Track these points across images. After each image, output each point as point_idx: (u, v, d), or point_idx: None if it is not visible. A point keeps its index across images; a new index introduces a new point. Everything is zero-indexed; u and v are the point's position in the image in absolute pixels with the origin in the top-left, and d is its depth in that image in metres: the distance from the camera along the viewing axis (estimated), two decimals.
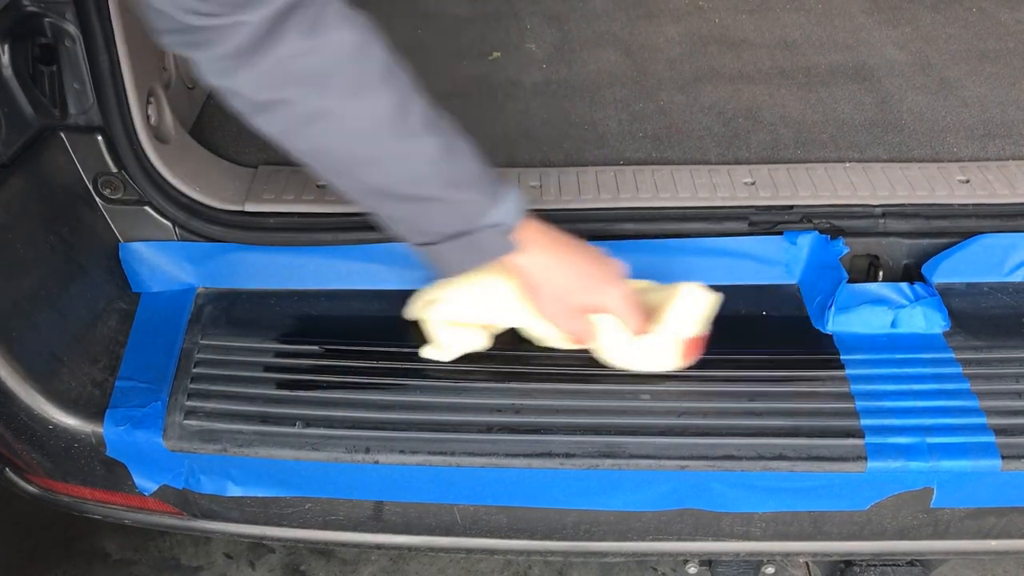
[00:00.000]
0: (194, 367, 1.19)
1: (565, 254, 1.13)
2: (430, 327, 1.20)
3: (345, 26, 0.99)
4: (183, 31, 0.96)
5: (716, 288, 1.28)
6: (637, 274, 1.29)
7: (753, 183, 1.39)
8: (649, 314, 1.16)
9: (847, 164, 1.44)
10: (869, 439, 1.09)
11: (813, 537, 1.19)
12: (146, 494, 1.19)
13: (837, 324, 1.22)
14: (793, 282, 1.30)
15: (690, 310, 1.15)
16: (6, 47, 1.16)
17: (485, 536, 1.23)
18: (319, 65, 0.98)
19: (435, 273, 1.16)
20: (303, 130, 1.01)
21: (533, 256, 1.11)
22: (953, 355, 1.18)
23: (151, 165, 1.28)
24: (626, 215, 1.34)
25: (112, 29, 1.19)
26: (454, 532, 1.22)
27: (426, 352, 1.20)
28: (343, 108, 1.00)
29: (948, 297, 1.24)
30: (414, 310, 1.22)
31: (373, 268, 1.30)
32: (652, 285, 1.22)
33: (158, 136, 1.33)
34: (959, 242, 1.29)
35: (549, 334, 1.19)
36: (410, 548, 1.30)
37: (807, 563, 1.96)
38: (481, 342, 1.21)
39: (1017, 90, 1.65)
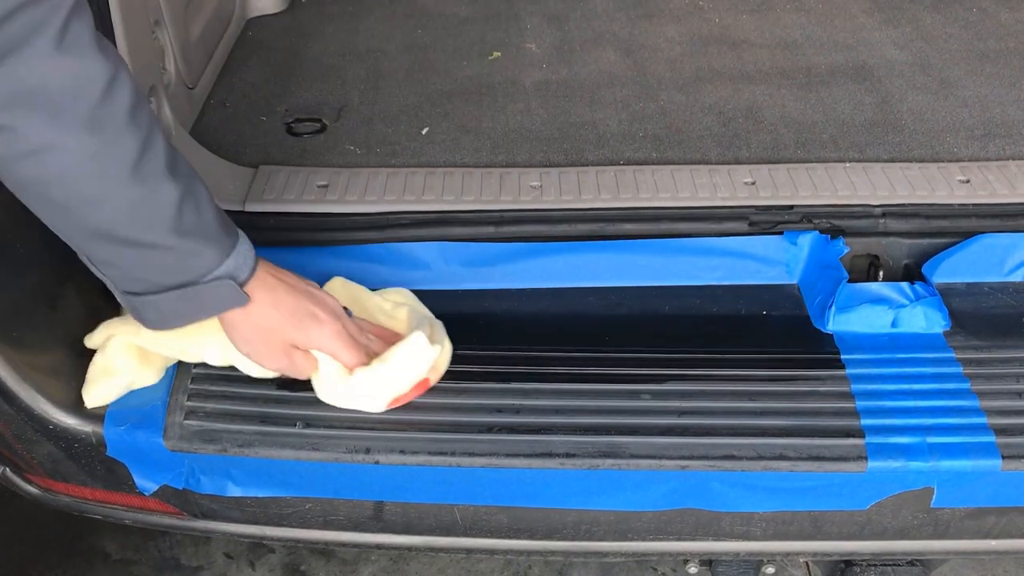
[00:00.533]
0: (194, 367, 1.19)
1: (275, 293, 1.05)
2: (108, 353, 1.14)
3: (96, 53, 0.88)
4: None
5: (716, 288, 1.29)
6: (637, 274, 1.30)
7: (753, 183, 1.39)
8: (388, 339, 1.13)
9: (847, 164, 1.44)
10: (869, 439, 1.09)
11: (813, 537, 1.19)
12: (146, 494, 1.19)
13: (837, 324, 1.22)
14: (793, 282, 1.30)
15: (413, 359, 1.10)
16: None
17: (485, 536, 1.23)
18: (58, 89, 0.86)
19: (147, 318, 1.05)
20: (25, 160, 0.89)
21: (249, 306, 1.03)
22: (953, 355, 1.18)
23: None
24: (626, 215, 1.34)
25: (112, 29, 1.19)
26: (454, 532, 1.22)
27: (88, 389, 1.13)
28: (77, 143, 0.88)
29: (948, 297, 1.24)
30: (95, 337, 1.15)
31: (373, 268, 1.30)
32: (408, 303, 1.21)
33: None
34: (959, 242, 1.29)
35: (253, 369, 1.14)
36: (410, 548, 1.30)
37: (807, 563, 1.96)
38: (151, 379, 1.16)
39: (1017, 90, 1.65)
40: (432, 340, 1.13)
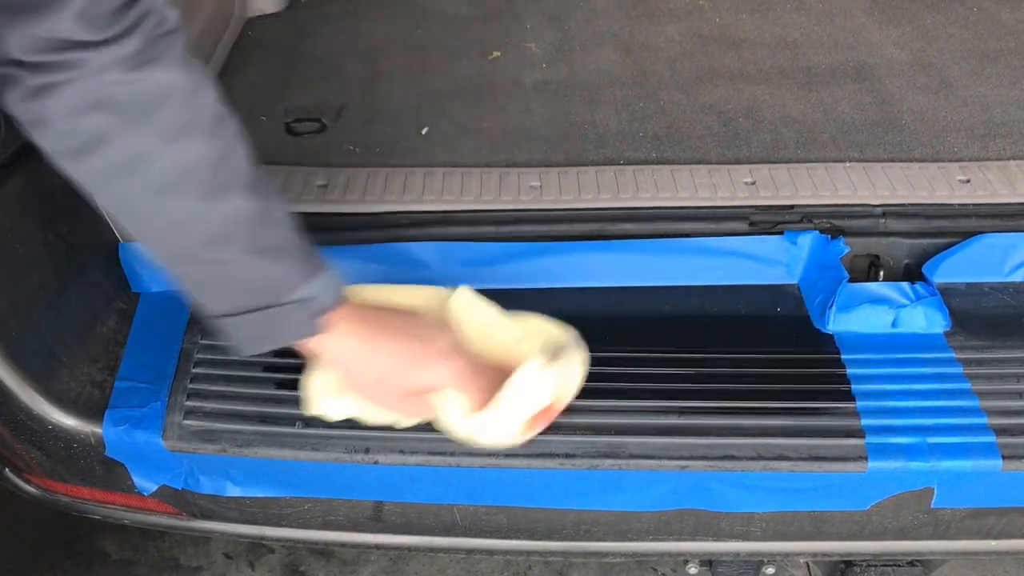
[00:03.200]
0: (193, 367, 1.19)
1: (381, 335, 1.02)
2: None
3: (179, 65, 0.90)
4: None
5: (716, 288, 1.29)
6: (637, 274, 1.30)
7: (753, 183, 1.39)
8: (502, 368, 1.05)
9: (847, 164, 1.44)
10: (870, 439, 1.09)
11: (813, 537, 1.19)
12: (145, 494, 1.19)
13: (838, 324, 1.22)
14: (793, 282, 1.30)
15: (531, 387, 1.04)
16: None
17: (485, 536, 1.23)
18: (142, 97, 0.88)
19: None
20: (117, 175, 0.90)
21: (344, 340, 1.00)
22: (954, 355, 1.18)
23: None
24: (626, 215, 1.34)
25: None
26: (454, 532, 1.22)
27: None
28: (161, 151, 0.89)
29: (949, 297, 1.24)
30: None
31: (374, 268, 1.30)
32: (534, 327, 1.12)
33: None
34: (960, 242, 1.29)
35: (389, 417, 1.08)
36: (410, 548, 1.30)
37: (807, 563, 1.95)
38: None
39: (1018, 90, 1.65)
40: (557, 357, 1.06)
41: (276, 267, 0.96)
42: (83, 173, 0.91)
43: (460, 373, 1.02)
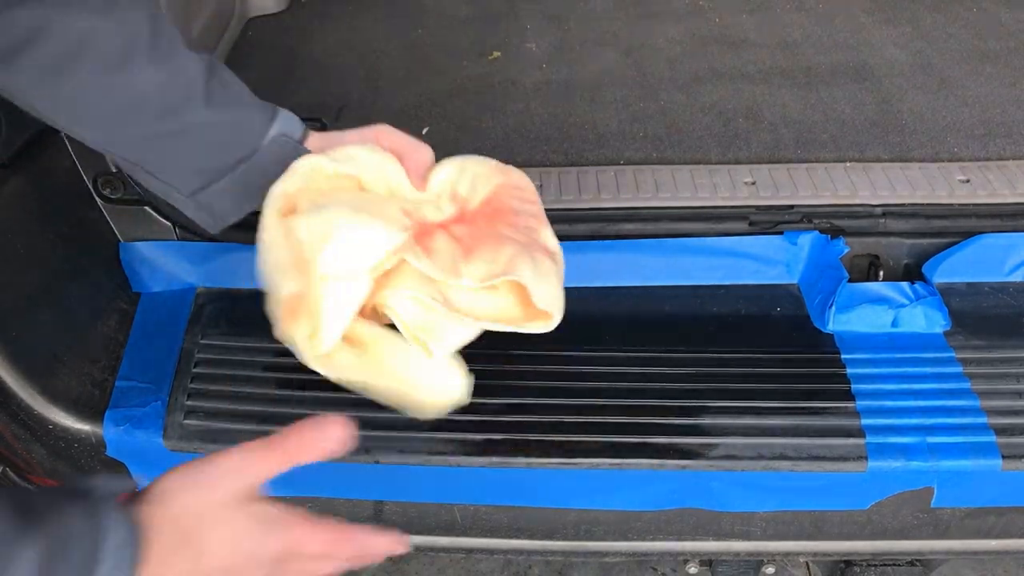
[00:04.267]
0: (194, 367, 1.19)
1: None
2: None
3: None
4: None
5: (716, 288, 1.28)
6: (637, 274, 1.30)
7: (753, 183, 1.39)
8: None
9: (847, 164, 1.44)
10: (870, 439, 1.09)
11: (813, 537, 1.19)
12: None
13: (838, 323, 1.22)
14: (793, 282, 1.30)
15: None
16: None
17: (485, 536, 1.23)
18: None
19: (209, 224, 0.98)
20: (65, 62, 0.87)
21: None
22: (954, 355, 1.18)
23: None
24: (626, 215, 1.34)
25: None
26: (454, 532, 1.22)
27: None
28: (103, 25, 0.87)
29: (948, 297, 1.24)
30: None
31: None
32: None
33: None
34: (959, 242, 1.29)
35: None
36: (410, 548, 1.30)
37: (807, 563, 1.96)
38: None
39: (1017, 90, 1.65)
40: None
41: (240, 113, 0.94)
42: (23, 71, 0.88)
43: None
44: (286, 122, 0.97)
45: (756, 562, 1.47)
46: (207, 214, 0.98)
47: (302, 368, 1.19)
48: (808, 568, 1.98)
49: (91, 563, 0.63)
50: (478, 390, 1.16)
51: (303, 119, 1.00)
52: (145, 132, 0.93)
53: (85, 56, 0.88)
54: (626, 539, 1.22)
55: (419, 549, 1.30)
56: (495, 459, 1.11)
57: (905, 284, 1.25)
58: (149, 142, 0.94)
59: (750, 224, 1.32)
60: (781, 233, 1.30)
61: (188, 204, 0.97)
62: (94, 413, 1.14)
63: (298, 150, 0.96)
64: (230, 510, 0.72)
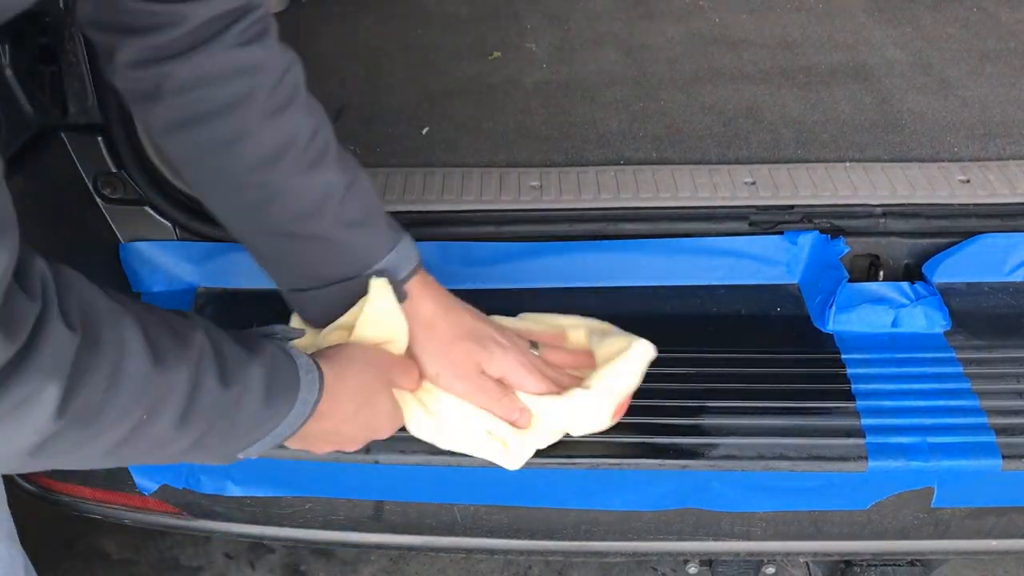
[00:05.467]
0: None
1: (448, 307, 1.03)
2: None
3: (281, 48, 0.97)
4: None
5: (716, 288, 1.29)
6: (637, 274, 1.30)
7: (753, 183, 1.39)
8: (570, 361, 1.08)
9: (847, 164, 1.44)
10: (870, 439, 1.09)
11: (813, 537, 1.19)
12: (146, 494, 1.19)
13: (838, 323, 1.22)
14: (794, 282, 1.30)
15: (635, 367, 1.05)
16: (6, 47, 1.16)
17: (485, 536, 1.23)
18: (250, 79, 0.92)
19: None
20: (220, 149, 0.93)
21: (422, 303, 1.01)
22: (954, 354, 1.18)
23: (151, 165, 1.27)
24: (626, 215, 1.34)
25: None
26: (454, 532, 1.22)
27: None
28: (261, 128, 0.92)
29: (949, 297, 1.24)
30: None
31: None
32: (594, 327, 1.14)
33: None
34: (960, 242, 1.29)
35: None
36: (410, 548, 1.30)
37: (807, 563, 1.95)
38: None
39: (1017, 90, 1.65)
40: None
41: (361, 239, 0.97)
42: (186, 145, 0.93)
43: (527, 364, 1.03)
44: (402, 251, 0.99)
45: (756, 562, 1.46)
46: (299, 311, 1.02)
47: None
48: (808, 568, 1.97)
49: (295, 381, 0.85)
50: None
51: None
52: (272, 229, 0.97)
53: (237, 147, 0.92)
54: (626, 539, 1.22)
55: (419, 549, 1.30)
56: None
57: (905, 284, 1.25)
58: (274, 238, 0.98)
59: (750, 224, 1.32)
60: (781, 233, 1.30)
61: (285, 294, 1.02)
62: None
63: (398, 288, 0.99)
64: (384, 385, 0.98)
